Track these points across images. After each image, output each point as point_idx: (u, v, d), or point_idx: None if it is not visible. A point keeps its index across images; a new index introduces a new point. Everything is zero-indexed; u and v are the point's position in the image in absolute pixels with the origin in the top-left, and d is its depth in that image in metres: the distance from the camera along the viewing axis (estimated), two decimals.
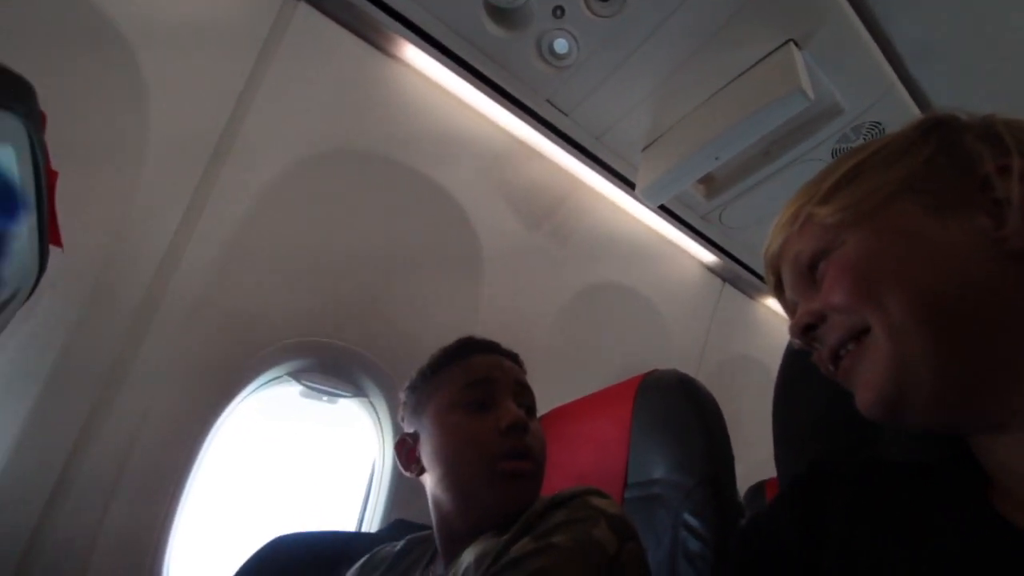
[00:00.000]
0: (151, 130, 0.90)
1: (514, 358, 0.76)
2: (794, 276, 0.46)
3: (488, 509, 0.63)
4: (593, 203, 1.40)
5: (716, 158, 1.07)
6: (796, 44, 0.96)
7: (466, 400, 0.68)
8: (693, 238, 1.50)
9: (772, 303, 1.83)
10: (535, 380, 0.76)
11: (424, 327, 1.20)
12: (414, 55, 1.07)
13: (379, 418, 1.23)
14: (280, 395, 1.18)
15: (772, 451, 0.59)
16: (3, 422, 0.81)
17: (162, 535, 0.91)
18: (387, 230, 1.17)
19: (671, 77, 1.06)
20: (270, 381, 1.14)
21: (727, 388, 1.70)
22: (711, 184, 1.32)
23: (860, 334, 0.39)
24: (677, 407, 0.82)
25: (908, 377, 0.36)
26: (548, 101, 1.14)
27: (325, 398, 1.20)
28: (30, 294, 0.65)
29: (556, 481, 0.79)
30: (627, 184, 1.31)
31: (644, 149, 1.21)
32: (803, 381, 0.57)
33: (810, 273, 0.44)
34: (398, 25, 1.00)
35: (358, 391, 1.22)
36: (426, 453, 0.70)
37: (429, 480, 0.70)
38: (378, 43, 1.06)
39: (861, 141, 1.12)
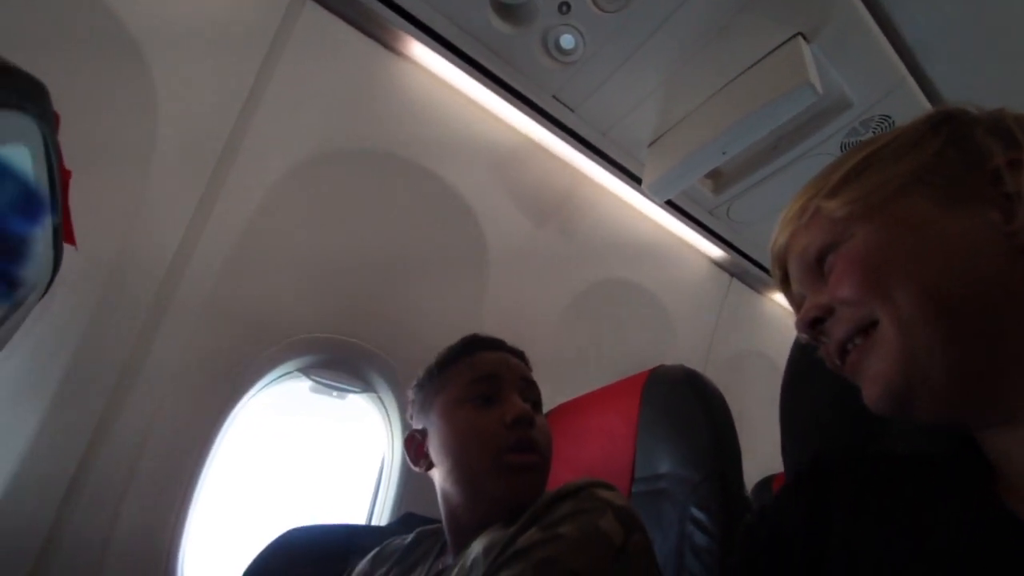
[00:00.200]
0: (160, 129, 0.91)
1: (520, 355, 0.77)
2: (801, 270, 0.45)
3: (495, 501, 0.64)
4: (599, 199, 1.39)
5: (723, 153, 1.07)
6: (804, 37, 0.95)
7: (472, 395, 0.69)
8: (700, 233, 1.49)
9: (780, 298, 1.82)
10: (542, 376, 0.76)
11: (431, 322, 1.21)
12: (420, 52, 1.07)
13: (388, 413, 1.24)
14: (290, 391, 1.19)
15: (779, 446, 0.60)
16: (18, 423, 0.82)
17: (176, 531, 0.93)
18: (394, 226, 1.17)
19: (678, 72, 1.05)
20: (280, 377, 1.15)
21: (734, 383, 1.70)
22: (718, 179, 1.31)
23: (868, 327, 0.39)
24: (684, 402, 0.83)
25: (916, 370, 0.36)
26: (554, 97, 1.14)
27: (334, 393, 1.21)
28: (44, 292, 0.66)
29: (564, 475, 0.79)
30: (634, 179, 1.31)
31: (651, 144, 1.21)
32: (811, 376, 0.57)
33: (818, 267, 0.44)
34: (404, 22, 1.00)
35: (367, 386, 1.23)
36: (434, 448, 0.71)
37: (437, 474, 0.71)
38: (384, 40, 1.06)
39: (870, 135, 1.11)
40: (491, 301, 1.28)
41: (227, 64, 0.97)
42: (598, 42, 1.01)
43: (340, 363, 1.19)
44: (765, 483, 1.60)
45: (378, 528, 1.06)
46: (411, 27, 1.01)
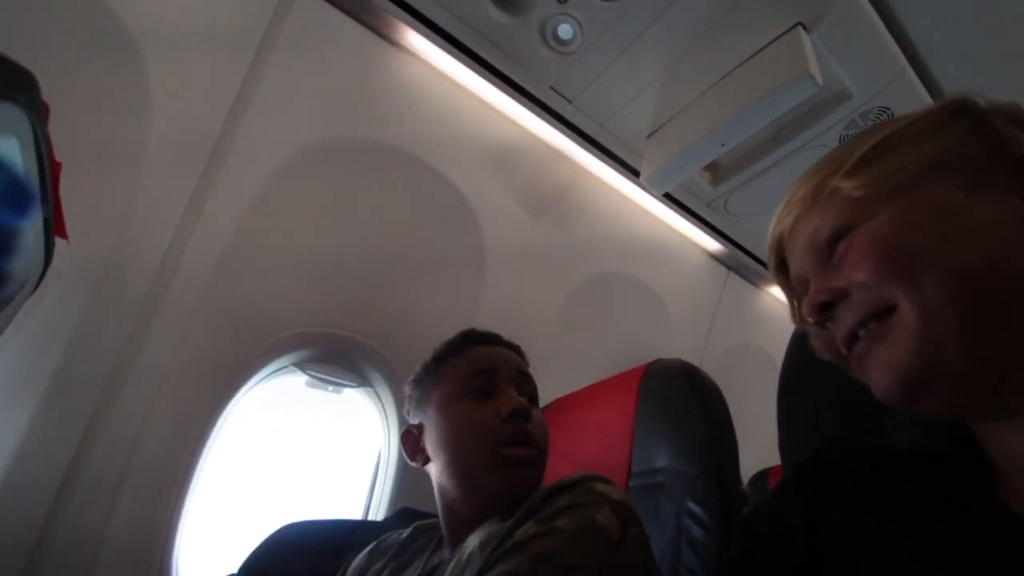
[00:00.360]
0: (154, 127, 0.90)
1: (516, 349, 0.77)
2: (808, 253, 0.44)
3: (491, 495, 0.64)
4: (597, 191, 1.39)
5: (722, 144, 1.06)
6: (804, 28, 0.94)
7: (469, 389, 0.69)
8: (698, 226, 1.49)
9: (777, 292, 1.82)
10: (539, 370, 0.76)
11: (428, 316, 1.21)
12: (416, 42, 1.06)
13: (384, 407, 1.24)
14: (286, 385, 1.18)
15: (776, 439, 0.59)
16: (9, 420, 0.81)
17: (171, 528, 0.92)
18: (389, 219, 1.16)
19: (677, 62, 1.04)
20: (276, 372, 1.15)
21: (731, 377, 1.70)
22: (717, 171, 1.31)
23: (883, 312, 0.38)
24: (681, 396, 0.83)
25: (935, 356, 0.35)
26: (552, 88, 1.13)
27: (330, 388, 1.21)
28: (36, 286, 0.65)
29: (561, 470, 0.79)
30: (632, 172, 1.30)
31: (649, 136, 1.20)
32: (808, 369, 0.56)
33: (827, 250, 0.42)
34: (399, 11, 0.99)
35: (363, 381, 1.22)
36: (431, 442, 0.71)
37: (434, 468, 0.71)
38: (380, 30, 1.05)
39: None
40: (488, 294, 1.27)
41: (219, 56, 0.95)
42: (596, 32, 1.00)
43: (336, 357, 1.19)
44: (761, 476, 1.61)
45: (375, 523, 1.07)
46: (406, 15, 1.00)
